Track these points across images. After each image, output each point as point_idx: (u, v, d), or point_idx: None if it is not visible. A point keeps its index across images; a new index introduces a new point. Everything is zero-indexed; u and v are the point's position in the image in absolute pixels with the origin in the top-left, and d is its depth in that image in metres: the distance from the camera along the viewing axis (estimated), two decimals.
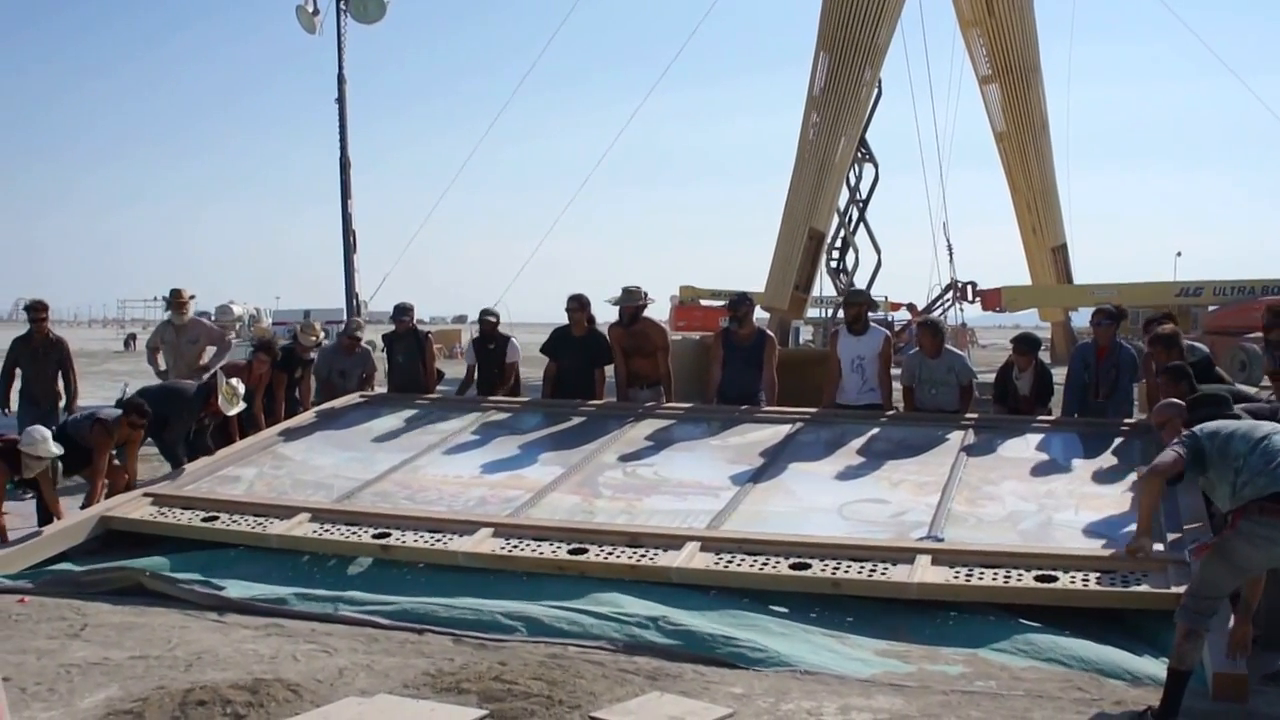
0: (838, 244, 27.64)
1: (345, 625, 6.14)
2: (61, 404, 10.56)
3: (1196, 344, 8.86)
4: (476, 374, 10.97)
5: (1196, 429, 5.06)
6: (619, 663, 5.50)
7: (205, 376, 10.25)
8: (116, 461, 8.63)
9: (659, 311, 50.86)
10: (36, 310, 10.81)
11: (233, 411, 9.33)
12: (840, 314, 10.05)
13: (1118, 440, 8.35)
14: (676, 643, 5.70)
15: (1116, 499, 7.23)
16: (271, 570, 7.09)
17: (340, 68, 15.28)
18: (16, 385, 10.78)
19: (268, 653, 5.65)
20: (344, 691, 5.04)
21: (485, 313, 10.96)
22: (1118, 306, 9.84)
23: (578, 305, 10.24)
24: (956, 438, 8.62)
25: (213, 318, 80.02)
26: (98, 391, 14.13)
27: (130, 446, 8.75)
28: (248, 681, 5.04)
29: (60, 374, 10.79)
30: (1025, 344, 9.57)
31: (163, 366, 11.32)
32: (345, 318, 15.62)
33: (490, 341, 10.93)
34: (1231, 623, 5.09)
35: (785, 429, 9.04)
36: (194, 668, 5.39)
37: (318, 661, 5.51)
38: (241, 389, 9.38)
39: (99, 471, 8.44)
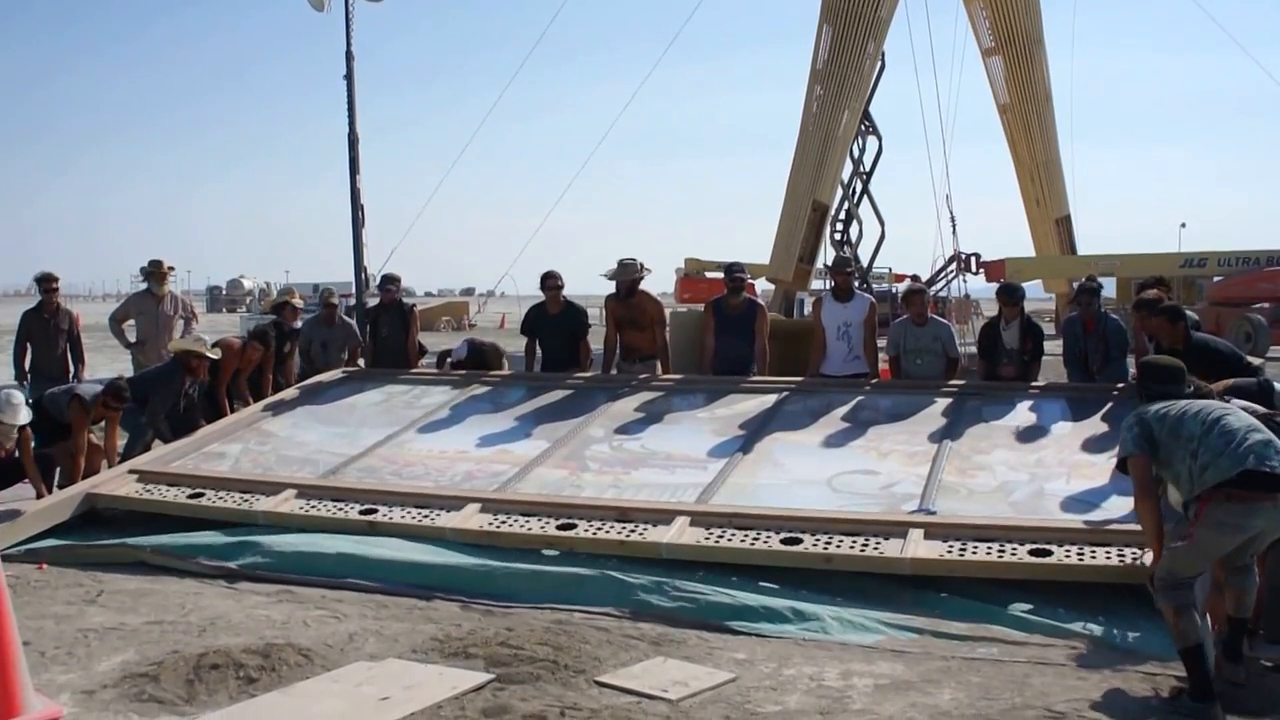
0: (842, 216, 27.63)
1: (354, 592, 6.25)
2: (71, 376, 10.60)
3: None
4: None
5: (1143, 411, 5.01)
6: (623, 628, 5.59)
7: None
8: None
9: (664, 284, 50.98)
10: (48, 281, 10.85)
11: (213, 355, 9.44)
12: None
13: (1106, 406, 8.33)
14: (681, 606, 5.81)
15: (1107, 468, 7.15)
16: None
17: (348, 45, 15.28)
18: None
19: (279, 618, 5.76)
20: (354, 656, 5.15)
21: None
22: (1094, 278, 9.81)
23: (555, 284, 10.30)
24: (944, 406, 8.61)
25: (224, 291, 79.98)
26: (112, 364, 14.22)
27: (109, 425, 8.78)
28: (260, 646, 5.14)
29: (69, 347, 10.85)
30: (1008, 294, 9.43)
31: (133, 339, 11.26)
32: (355, 291, 15.65)
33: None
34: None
35: (771, 399, 9.03)
36: (207, 633, 5.50)
37: (328, 627, 5.62)
38: (208, 339, 9.51)
39: (79, 449, 8.47)
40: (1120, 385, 8.76)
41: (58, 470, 8.60)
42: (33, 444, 8.24)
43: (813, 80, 25.59)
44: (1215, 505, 4.64)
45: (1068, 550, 6.01)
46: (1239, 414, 4.89)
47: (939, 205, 26.12)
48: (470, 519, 7.01)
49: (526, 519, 6.96)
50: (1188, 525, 4.75)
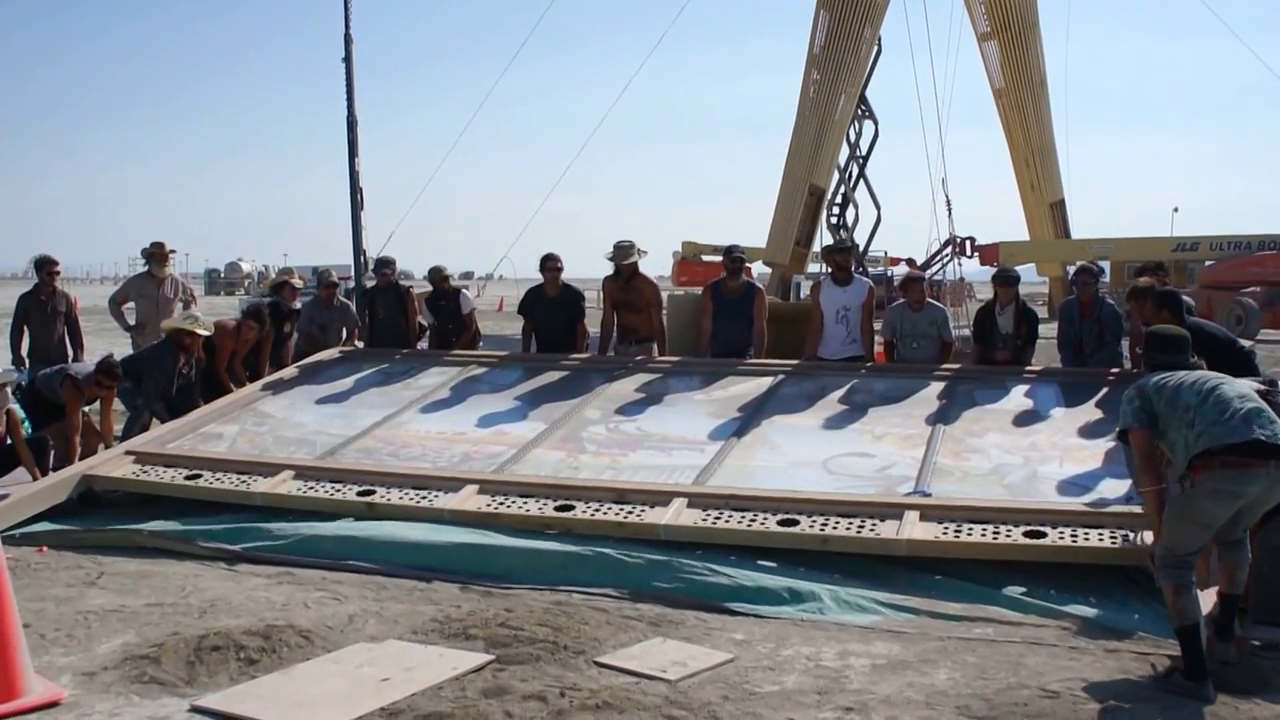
0: (838, 200, 27.67)
1: (355, 574, 6.27)
2: (70, 359, 10.59)
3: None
4: (432, 329, 11.22)
5: (1143, 383, 5.03)
6: (622, 609, 5.61)
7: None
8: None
9: (661, 267, 51.03)
10: (48, 265, 10.83)
11: (205, 332, 9.46)
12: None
13: (1100, 390, 8.33)
14: (679, 587, 5.84)
15: (1100, 451, 7.23)
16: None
17: (347, 27, 15.31)
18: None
19: (279, 600, 5.78)
20: (354, 637, 5.16)
21: (434, 270, 11.18)
22: (1097, 264, 9.87)
23: (555, 266, 10.31)
24: (939, 389, 8.64)
25: (222, 274, 79.73)
26: (111, 347, 14.22)
27: (104, 405, 8.81)
28: (260, 628, 5.15)
29: (67, 330, 10.84)
30: (1004, 279, 9.43)
31: (132, 321, 11.22)
32: (353, 273, 15.66)
33: (442, 298, 11.07)
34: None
35: (768, 381, 9.03)
36: (208, 614, 5.51)
37: (328, 608, 5.63)
38: (199, 314, 9.55)
39: (74, 429, 8.49)
40: (1114, 370, 8.78)
41: (53, 453, 8.61)
42: (28, 426, 8.25)
43: (810, 65, 25.63)
44: (1209, 473, 4.66)
45: (1061, 532, 6.05)
46: (1233, 383, 4.92)
47: (934, 189, 26.23)
48: (468, 500, 7.01)
49: (524, 500, 6.97)
50: (1181, 490, 4.79)
